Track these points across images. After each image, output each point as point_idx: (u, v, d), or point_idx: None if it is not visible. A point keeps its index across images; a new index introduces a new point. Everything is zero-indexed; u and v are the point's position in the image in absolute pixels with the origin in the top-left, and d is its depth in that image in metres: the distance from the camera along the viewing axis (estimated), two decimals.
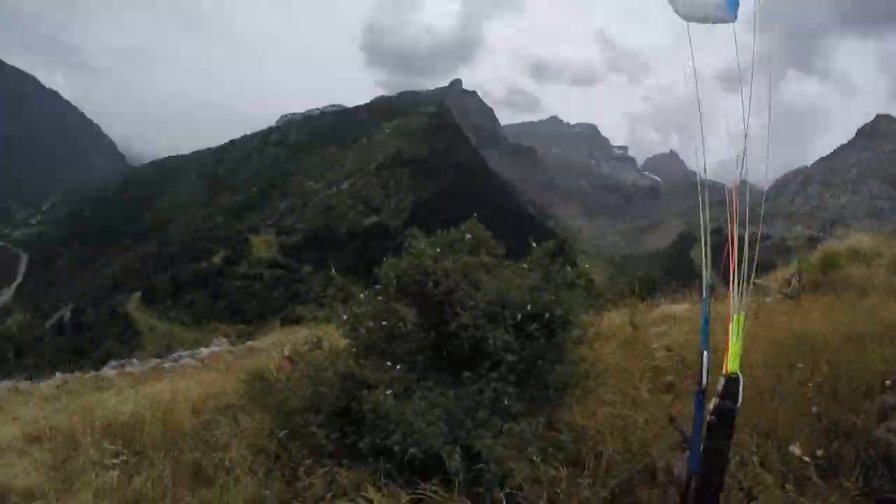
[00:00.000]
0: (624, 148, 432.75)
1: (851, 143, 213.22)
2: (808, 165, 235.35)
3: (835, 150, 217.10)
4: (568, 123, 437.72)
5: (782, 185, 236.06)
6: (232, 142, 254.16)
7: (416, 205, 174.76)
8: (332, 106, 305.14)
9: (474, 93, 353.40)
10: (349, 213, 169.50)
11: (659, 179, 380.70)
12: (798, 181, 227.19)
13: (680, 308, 8.09)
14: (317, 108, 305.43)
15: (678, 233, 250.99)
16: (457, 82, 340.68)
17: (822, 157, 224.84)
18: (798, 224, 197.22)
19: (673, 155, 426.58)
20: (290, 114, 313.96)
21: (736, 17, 2.60)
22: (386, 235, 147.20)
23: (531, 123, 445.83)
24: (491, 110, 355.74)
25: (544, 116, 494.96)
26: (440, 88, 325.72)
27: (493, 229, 5.93)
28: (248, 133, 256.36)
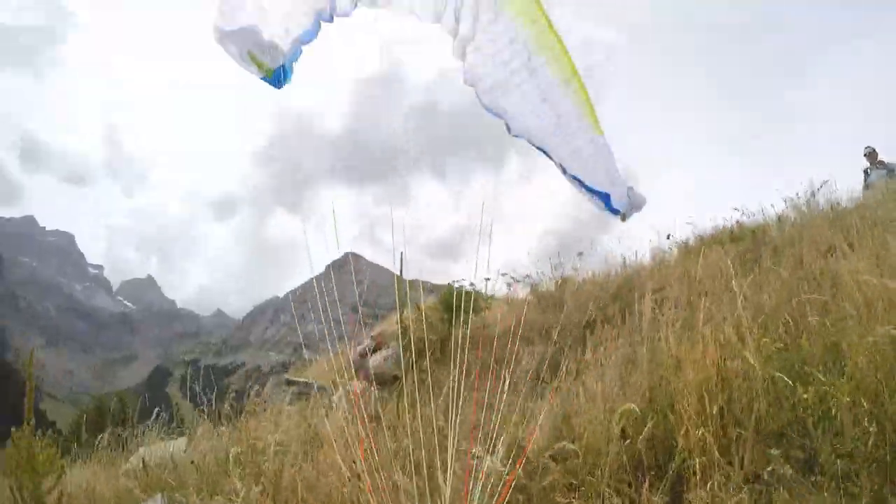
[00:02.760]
0: (100, 267, 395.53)
1: (321, 276, 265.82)
2: (281, 296, 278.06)
3: (305, 282, 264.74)
4: (44, 228, 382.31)
5: (258, 314, 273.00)
6: None
7: None
8: None
9: None
10: None
11: (133, 306, 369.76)
12: (272, 311, 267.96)
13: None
14: None
15: (154, 366, 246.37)
16: None
17: (293, 289, 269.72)
18: (271, 350, 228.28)
19: (150, 280, 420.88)
20: None
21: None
22: None
23: (5, 220, 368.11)
24: None
25: (21, 213, 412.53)
26: None
27: None
28: None
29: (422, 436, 2.77)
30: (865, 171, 9.74)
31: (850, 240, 3.85)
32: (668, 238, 8.23)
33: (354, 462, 2.80)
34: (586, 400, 2.61)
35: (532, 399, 2.92)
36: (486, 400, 2.73)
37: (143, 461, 4.56)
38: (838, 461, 2.08)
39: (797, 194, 6.98)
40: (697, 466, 2.10)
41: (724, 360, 2.71)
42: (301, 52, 2.46)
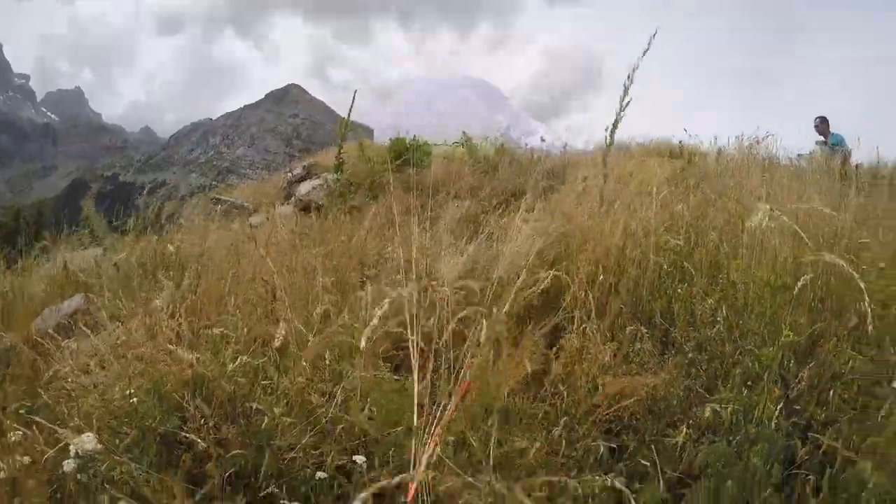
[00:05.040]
0: (25, 77, 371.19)
1: (258, 103, 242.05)
2: (214, 119, 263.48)
3: (241, 108, 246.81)
4: None
5: (184, 135, 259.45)
6: None
7: None
8: None
9: None
10: None
11: (57, 118, 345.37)
12: (201, 132, 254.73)
13: None
14: None
15: (73, 179, 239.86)
16: None
17: (228, 113, 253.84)
18: (194, 172, 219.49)
19: (78, 92, 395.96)
20: None
21: None
22: None
23: None
24: None
25: None
26: None
27: None
28: None
29: (340, 256, 3.21)
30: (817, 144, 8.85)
31: (772, 191, 4.12)
32: (605, 131, 8.40)
33: (275, 271, 2.94)
34: (499, 252, 2.92)
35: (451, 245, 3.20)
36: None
37: (65, 264, 4.52)
38: (688, 348, 2.46)
39: (743, 136, 7.21)
40: (576, 318, 2.43)
41: (626, 247, 3.04)
42: None
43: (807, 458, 1.80)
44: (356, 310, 2.54)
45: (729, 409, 1.83)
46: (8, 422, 2.01)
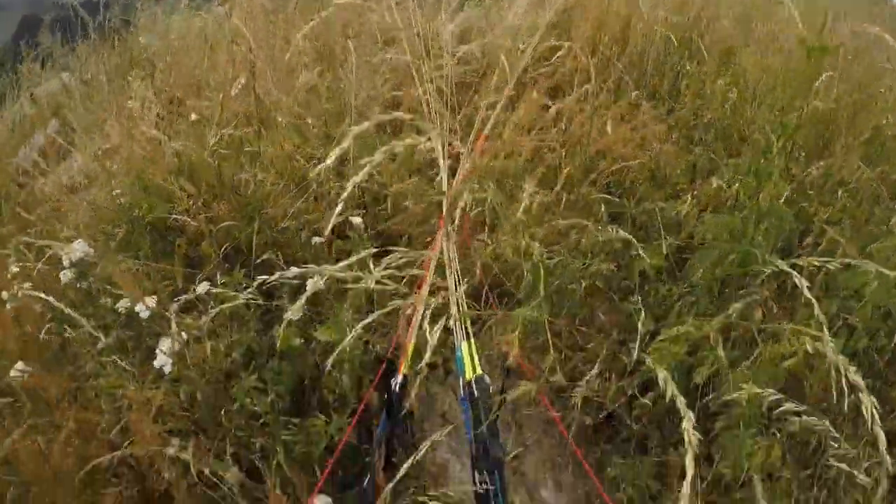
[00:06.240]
0: None
1: None
2: None
3: None
4: None
5: None
6: None
7: None
8: None
9: None
10: None
11: None
12: None
13: None
14: None
15: (21, 17, 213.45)
16: None
17: None
18: None
19: None
20: None
21: None
22: None
23: None
24: None
25: None
26: None
27: None
28: None
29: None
30: None
31: None
32: None
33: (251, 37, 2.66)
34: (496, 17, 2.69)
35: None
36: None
37: (31, 95, 4.15)
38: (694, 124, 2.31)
39: None
40: (575, 81, 2.23)
41: (631, 17, 2.74)
42: None
43: (805, 251, 1.65)
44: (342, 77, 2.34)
45: (735, 186, 1.68)
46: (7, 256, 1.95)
